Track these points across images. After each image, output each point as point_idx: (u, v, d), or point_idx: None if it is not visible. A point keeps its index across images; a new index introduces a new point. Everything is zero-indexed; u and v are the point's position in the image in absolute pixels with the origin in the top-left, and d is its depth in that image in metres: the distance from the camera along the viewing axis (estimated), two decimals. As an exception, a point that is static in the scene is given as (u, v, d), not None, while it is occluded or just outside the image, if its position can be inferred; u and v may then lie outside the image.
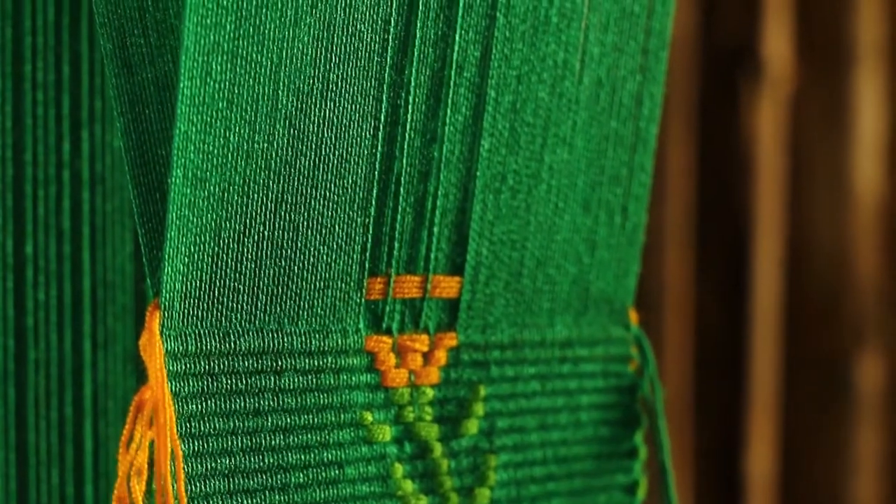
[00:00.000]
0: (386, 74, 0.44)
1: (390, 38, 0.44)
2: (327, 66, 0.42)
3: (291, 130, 0.42)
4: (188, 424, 0.41)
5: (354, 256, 0.44)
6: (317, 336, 0.44)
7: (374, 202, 0.44)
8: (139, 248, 0.48)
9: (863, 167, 0.97)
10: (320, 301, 0.44)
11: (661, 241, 0.89)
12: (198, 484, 0.41)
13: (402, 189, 0.45)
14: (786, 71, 0.95)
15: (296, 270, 0.43)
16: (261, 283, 0.42)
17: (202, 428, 0.41)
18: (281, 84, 0.41)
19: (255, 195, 0.41)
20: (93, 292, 0.48)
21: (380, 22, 0.43)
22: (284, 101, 0.41)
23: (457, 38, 0.45)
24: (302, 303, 0.43)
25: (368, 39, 0.43)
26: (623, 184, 0.51)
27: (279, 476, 0.43)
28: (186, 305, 0.41)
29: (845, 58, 0.96)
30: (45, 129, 0.47)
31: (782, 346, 0.95)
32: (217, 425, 0.41)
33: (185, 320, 0.41)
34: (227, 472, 0.42)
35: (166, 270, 0.40)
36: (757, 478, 0.94)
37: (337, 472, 0.44)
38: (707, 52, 0.93)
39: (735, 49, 0.94)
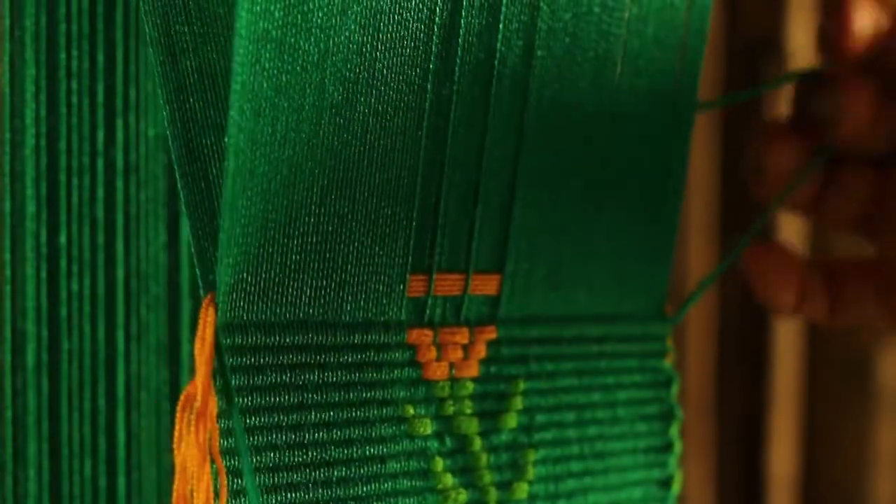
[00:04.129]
0: (431, 64, 0.43)
1: (435, 27, 0.43)
2: (373, 55, 0.42)
3: (337, 119, 0.41)
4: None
5: (398, 248, 0.44)
6: (360, 329, 0.43)
7: (417, 193, 0.44)
8: (173, 238, 0.48)
9: (886, 161, 0.96)
10: (364, 293, 0.43)
11: (684, 235, 0.89)
12: (243, 479, 0.41)
13: (444, 180, 0.45)
14: (810, 64, 0.95)
15: (340, 262, 0.43)
16: (305, 275, 0.42)
17: (247, 422, 0.41)
18: (328, 72, 0.41)
19: (302, 185, 0.41)
20: (126, 283, 0.48)
21: (425, 11, 0.43)
22: (331, 90, 0.41)
23: (500, 27, 0.45)
24: (346, 295, 0.43)
25: (414, 28, 0.43)
26: (660, 177, 0.51)
27: (322, 471, 0.42)
28: (233, 298, 0.40)
29: (868, 51, 0.95)
30: (80, 117, 0.47)
31: (805, 341, 0.94)
32: (262, 420, 0.41)
33: (232, 313, 0.40)
34: (271, 466, 0.41)
35: (222, 262, 0.40)
36: (779, 473, 0.93)
37: (379, 466, 0.44)
38: (731, 45, 0.93)
39: (759, 42, 0.93)
